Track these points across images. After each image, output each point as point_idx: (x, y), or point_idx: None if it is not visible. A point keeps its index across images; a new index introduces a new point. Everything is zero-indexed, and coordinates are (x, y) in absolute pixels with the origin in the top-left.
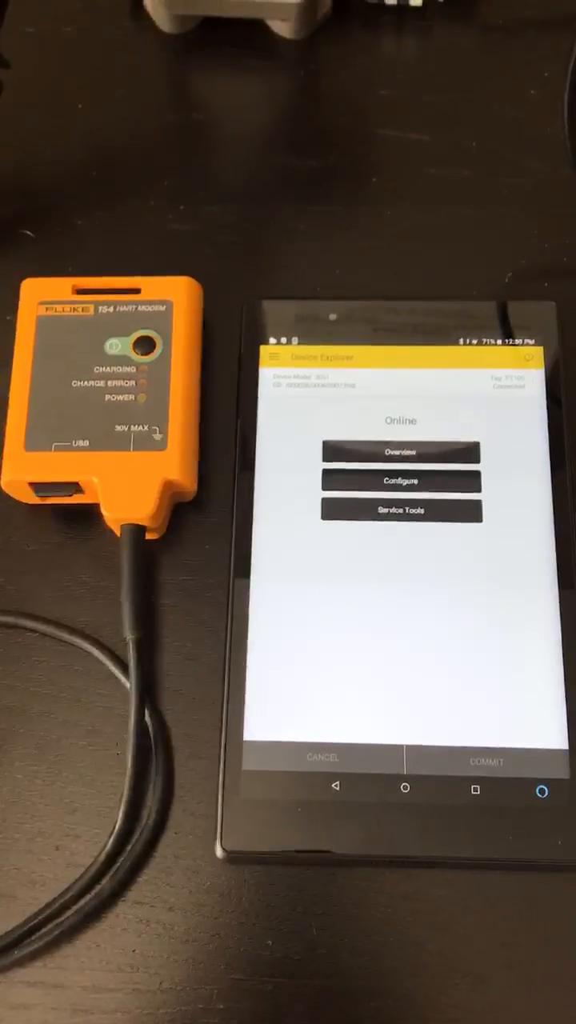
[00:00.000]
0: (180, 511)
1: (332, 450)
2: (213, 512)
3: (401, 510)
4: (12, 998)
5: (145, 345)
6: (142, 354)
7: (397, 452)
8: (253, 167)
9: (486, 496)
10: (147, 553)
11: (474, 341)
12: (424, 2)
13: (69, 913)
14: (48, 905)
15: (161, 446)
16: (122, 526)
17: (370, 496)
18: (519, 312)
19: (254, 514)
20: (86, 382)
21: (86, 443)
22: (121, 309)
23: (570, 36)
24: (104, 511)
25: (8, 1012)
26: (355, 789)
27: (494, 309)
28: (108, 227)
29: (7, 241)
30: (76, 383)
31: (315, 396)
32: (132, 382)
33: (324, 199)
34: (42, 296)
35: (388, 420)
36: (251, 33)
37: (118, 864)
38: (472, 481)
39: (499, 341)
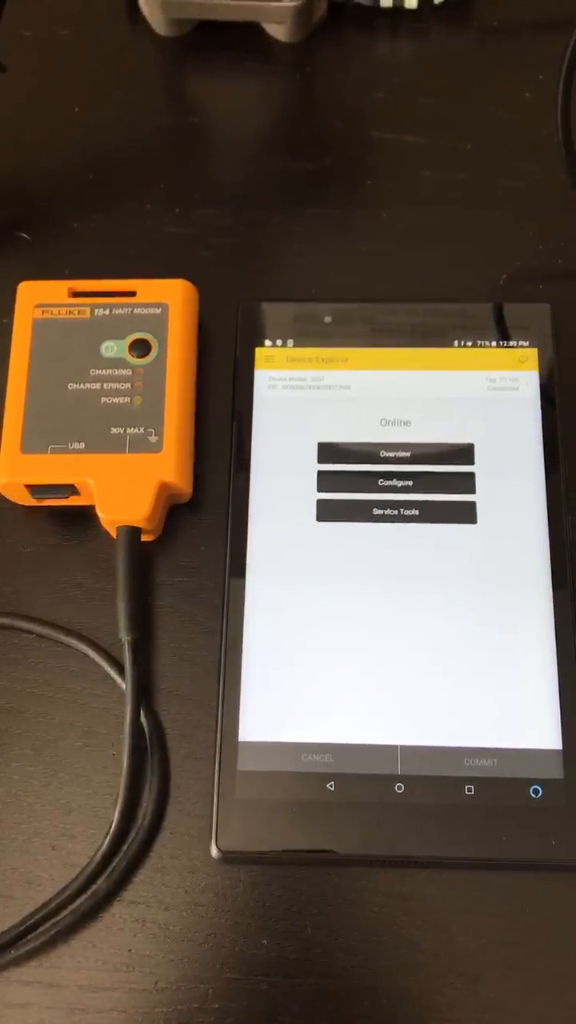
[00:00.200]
0: (176, 513)
1: (327, 452)
2: (209, 514)
3: (396, 511)
4: (8, 997)
5: (141, 347)
6: (138, 356)
7: (392, 454)
8: (249, 170)
9: (480, 498)
10: (143, 555)
11: (469, 343)
12: (419, 5)
13: (65, 913)
14: (44, 905)
15: (157, 448)
16: (118, 528)
17: (365, 498)
18: (514, 314)
19: (249, 516)
20: (82, 384)
21: (82, 445)
22: (117, 312)
23: (565, 39)
24: (100, 513)
25: (5, 1011)
26: (350, 789)
27: (489, 311)
28: (104, 230)
29: (3, 244)
30: (72, 385)
31: (310, 398)
32: (128, 384)
33: (319, 202)
34: (38, 299)
35: (383, 422)
36: (247, 36)
37: (114, 864)
38: (466, 483)
39: (494, 343)
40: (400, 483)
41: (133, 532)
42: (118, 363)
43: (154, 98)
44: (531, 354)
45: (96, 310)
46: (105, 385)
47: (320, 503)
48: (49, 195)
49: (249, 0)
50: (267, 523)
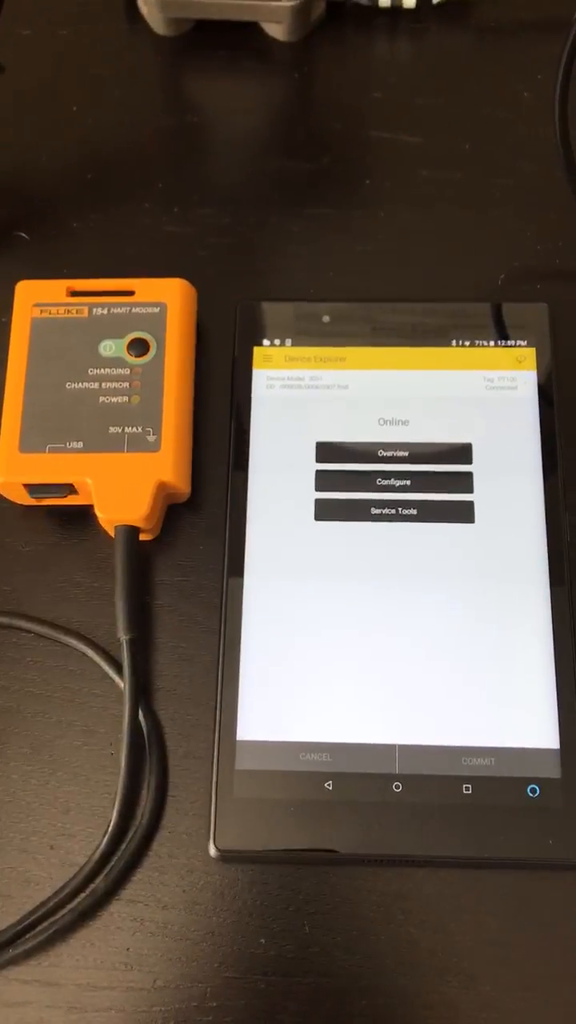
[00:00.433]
0: (174, 512)
1: (325, 451)
2: (207, 513)
3: (394, 511)
4: (7, 996)
5: (139, 347)
6: (136, 356)
7: (390, 453)
8: (247, 170)
9: (478, 497)
10: (141, 554)
11: (467, 342)
12: (417, 5)
13: (64, 912)
14: (43, 904)
15: (155, 447)
16: (116, 527)
17: (363, 497)
18: (512, 313)
19: (247, 515)
20: (80, 384)
21: (80, 445)
22: (115, 311)
23: (563, 39)
24: (98, 512)
25: (3, 1010)
26: (348, 788)
27: (487, 310)
28: (102, 229)
29: (2, 243)
30: (70, 385)
31: (308, 397)
32: (126, 384)
33: (317, 201)
34: (37, 298)
35: (381, 421)
36: (245, 36)
37: (112, 863)
38: (464, 482)
39: (492, 342)
40: (398, 482)
41: (131, 531)
42: (116, 362)
43: (153, 98)
44: (529, 353)
45: (94, 309)
46: (103, 384)
47: (318, 502)
48: (48, 194)
49: (247, 0)
50: (265, 522)
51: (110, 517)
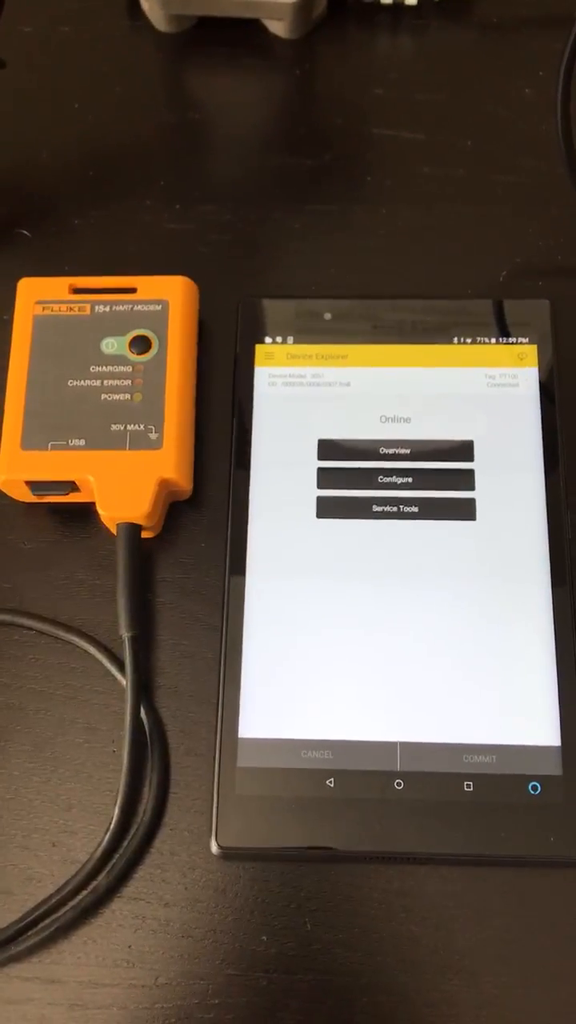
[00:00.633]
0: (176, 509)
1: (327, 448)
2: (209, 510)
3: (395, 508)
4: (9, 993)
5: (141, 344)
6: (138, 353)
7: (392, 451)
8: (249, 166)
9: (480, 494)
10: (143, 551)
11: (469, 340)
12: (419, 1)
13: (65, 909)
14: (44, 901)
15: (157, 445)
16: (118, 524)
17: (365, 494)
18: (513, 310)
19: (249, 512)
20: (82, 381)
21: (82, 442)
22: (117, 308)
23: (565, 35)
24: (100, 510)
25: (5, 1007)
26: (349, 785)
27: (488, 307)
28: (104, 226)
29: (3, 240)
30: (72, 382)
31: (310, 395)
32: (128, 381)
33: (319, 198)
34: (38, 295)
35: (383, 419)
36: (247, 32)
37: (114, 860)
38: (466, 479)
39: (493, 339)
40: (400, 480)
41: (133, 529)
42: (118, 360)
43: (154, 94)
44: (531, 350)
45: (96, 307)
46: (105, 382)
47: (320, 500)
48: (49, 192)
49: None
50: (267, 520)
51: (112, 514)
